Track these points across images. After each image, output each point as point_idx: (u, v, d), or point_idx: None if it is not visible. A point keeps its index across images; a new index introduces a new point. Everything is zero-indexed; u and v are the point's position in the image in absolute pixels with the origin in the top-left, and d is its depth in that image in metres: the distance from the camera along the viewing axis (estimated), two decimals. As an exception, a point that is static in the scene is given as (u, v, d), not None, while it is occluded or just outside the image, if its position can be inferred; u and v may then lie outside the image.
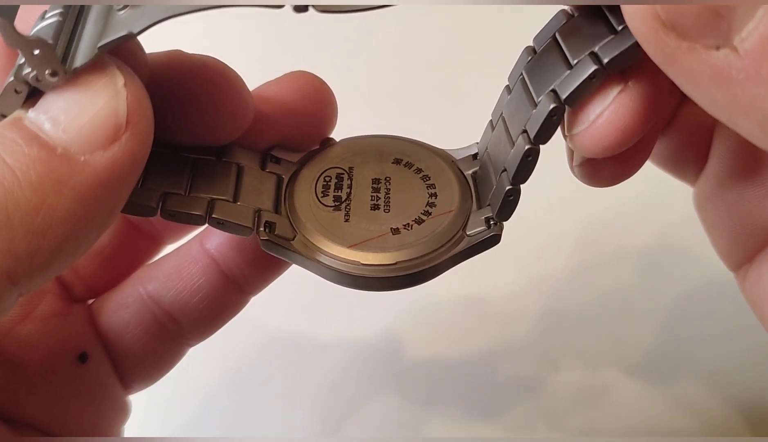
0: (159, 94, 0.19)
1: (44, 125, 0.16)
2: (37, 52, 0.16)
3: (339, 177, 0.22)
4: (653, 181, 0.23)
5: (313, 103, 0.23)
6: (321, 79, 0.23)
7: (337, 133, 0.24)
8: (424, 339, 0.34)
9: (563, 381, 0.32)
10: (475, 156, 0.23)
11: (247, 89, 0.21)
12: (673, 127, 0.22)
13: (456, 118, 0.38)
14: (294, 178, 0.22)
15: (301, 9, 0.16)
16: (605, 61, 0.17)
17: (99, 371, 0.24)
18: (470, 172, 0.23)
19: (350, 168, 0.23)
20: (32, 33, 0.18)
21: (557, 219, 0.37)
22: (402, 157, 0.23)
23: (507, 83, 0.21)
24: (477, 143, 0.23)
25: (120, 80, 0.16)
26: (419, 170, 0.23)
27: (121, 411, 0.24)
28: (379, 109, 0.41)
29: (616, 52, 0.17)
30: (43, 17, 0.18)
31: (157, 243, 0.26)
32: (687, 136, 0.22)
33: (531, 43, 0.20)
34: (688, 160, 0.22)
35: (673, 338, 0.33)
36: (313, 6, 0.16)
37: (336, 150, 0.23)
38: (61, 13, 0.18)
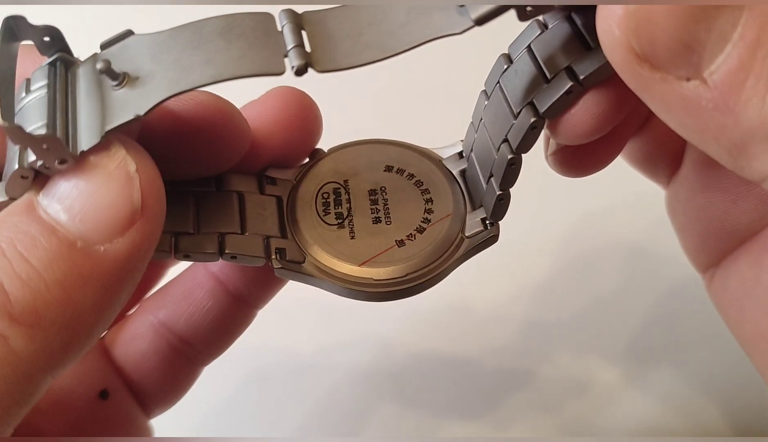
0: (156, 137, 0.19)
1: (60, 216, 0.16)
2: (45, 146, 0.16)
3: (336, 192, 0.23)
4: (641, 180, 0.24)
5: (299, 118, 0.23)
6: (303, 92, 0.23)
7: (324, 138, 0.24)
8: (419, 339, 0.35)
9: (555, 379, 0.34)
10: (460, 154, 0.24)
11: (244, 119, 0.22)
12: (648, 128, 0.23)
13: (437, 115, 0.38)
14: (293, 197, 0.23)
15: (302, 71, 0.16)
16: (581, 77, 0.18)
17: (121, 404, 0.24)
18: (458, 170, 0.23)
19: (345, 181, 0.23)
20: (19, 107, 0.18)
21: (547, 218, 0.38)
22: (392, 163, 0.24)
23: (484, 88, 0.22)
24: (461, 141, 0.24)
25: (132, 165, 0.16)
26: (411, 176, 0.23)
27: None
28: (360, 110, 0.41)
29: (592, 70, 0.18)
30: (27, 89, 0.18)
31: (161, 267, 0.26)
32: (661, 138, 0.23)
33: (506, 51, 0.21)
34: (662, 163, 0.23)
35: (664, 337, 0.34)
36: (314, 68, 0.16)
37: (327, 163, 0.24)
38: (47, 85, 0.18)
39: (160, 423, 0.32)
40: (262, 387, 0.34)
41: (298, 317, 0.35)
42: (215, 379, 0.33)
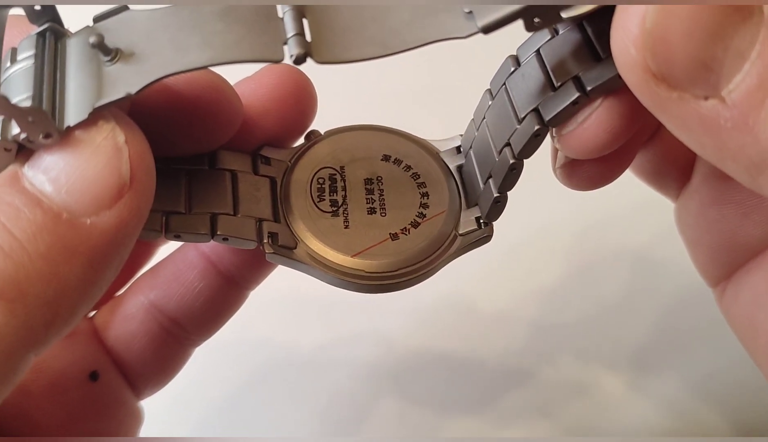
0: (147, 111, 0.19)
1: (45, 188, 0.16)
2: (31, 119, 0.15)
3: (332, 178, 0.23)
4: (649, 188, 0.24)
5: (294, 96, 0.22)
6: (299, 70, 0.23)
7: (322, 122, 0.24)
8: (422, 339, 0.35)
9: (557, 381, 0.33)
10: (458, 148, 0.23)
11: (236, 94, 0.21)
12: (657, 141, 0.22)
13: (437, 108, 0.37)
14: (287, 180, 0.22)
15: (300, 60, 0.15)
16: (589, 88, 0.17)
17: (111, 385, 0.24)
18: (455, 165, 0.23)
19: (341, 167, 0.23)
20: (4, 77, 0.17)
21: (554, 222, 0.37)
22: (390, 153, 0.23)
23: (488, 87, 0.21)
24: (460, 135, 0.23)
25: (121, 137, 0.16)
26: (408, 168, 0.23)
27: (135, 419, 0.25)
28: (359, 98, 0.40)
29: (600, 82, 0.17)
30: (13, 59, 0.17)
31: (151, 246, 0.26)
32: (670, 150, 0.22)
33: (515, 52, 0.20)
34: (671, 175, 0.23)
35: (668, 344, 0.34)
36: (313, 58, 0.15)
37: (324, 147, 0.23)
38: (35, 55, 0.17)
39: (160, 422, 0.31)
40: (262, 384, 0.34)
41: (300, 313, 0.35)
42: (217, 376, 0.34)
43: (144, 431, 0.26)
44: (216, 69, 0.20)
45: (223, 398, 0.34)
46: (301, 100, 0.23)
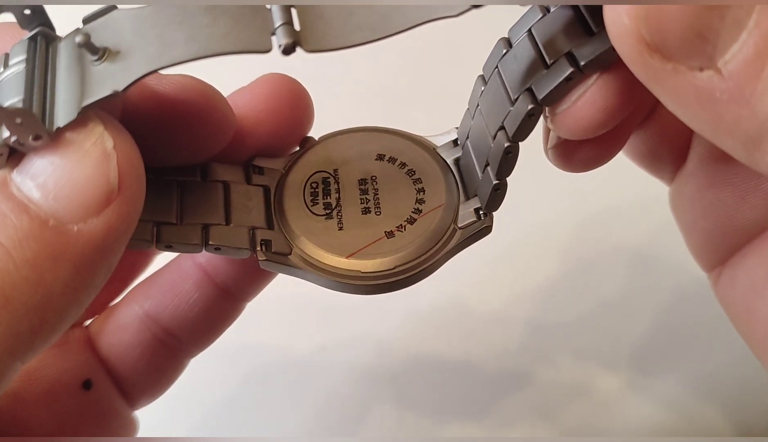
0: (138, 120, 0.18)
1: (33, 194, 0.15)
2: (19, 121, 0.15)
3: (325, 182, 0.22)
4: (646, 183, 0.24)
5: (289, 106, 0.22)
6: (294, 80, 0.23)
7: (316, 127, 0.24)
8: (419, 340, 0.35)
9: (556, 381, 0.33)
10: (455, 141, 0.23)
11: (227, 103, 0.21)
12: (652, 121, 0.22)
13: (434, 102, 0.37)
14: (281, 187, 0.22)
15: (289, 50, 0.15)
16: (582, 63, 0.17)
17: (104, 395, 0.24)
18: (452, 159, 0.23)
19: (335, 170, 0.23)
20: None
21: (551, 220, 0.37)
22: (384, 152, 0.23)
23: (481, 73, 0.21)
24: (456, 128, 0.23)
25: (109, 142, 0.16)
26: (403, 165, 0.23)
27: (129, 429, 0.25)
28: (355, 98, 0.40)
29: (594, 56, 0.17)
30: (5, 64, 0.17)
31: (147, 255, 0.26)
32: (665, 131, 0.22)
33: (506, 35, 0.20)
34: (666, 158, 0.23)
35: (667, 342, 0.34)
36: (302, 47, 0.15)
37: (317, 152, 0.23)
38: (26, 60, 0.17)
39: (158, 422, 0.30)
40: (261, 387, 0.34)
41: (297, 316, 0.35)
42: (214, 379, 0.34)
43: (142, 431, 0.25)
44: (209, 75, 0.21)
45: (221, 400, 0.34)
46: (296, 111, 0.23)
